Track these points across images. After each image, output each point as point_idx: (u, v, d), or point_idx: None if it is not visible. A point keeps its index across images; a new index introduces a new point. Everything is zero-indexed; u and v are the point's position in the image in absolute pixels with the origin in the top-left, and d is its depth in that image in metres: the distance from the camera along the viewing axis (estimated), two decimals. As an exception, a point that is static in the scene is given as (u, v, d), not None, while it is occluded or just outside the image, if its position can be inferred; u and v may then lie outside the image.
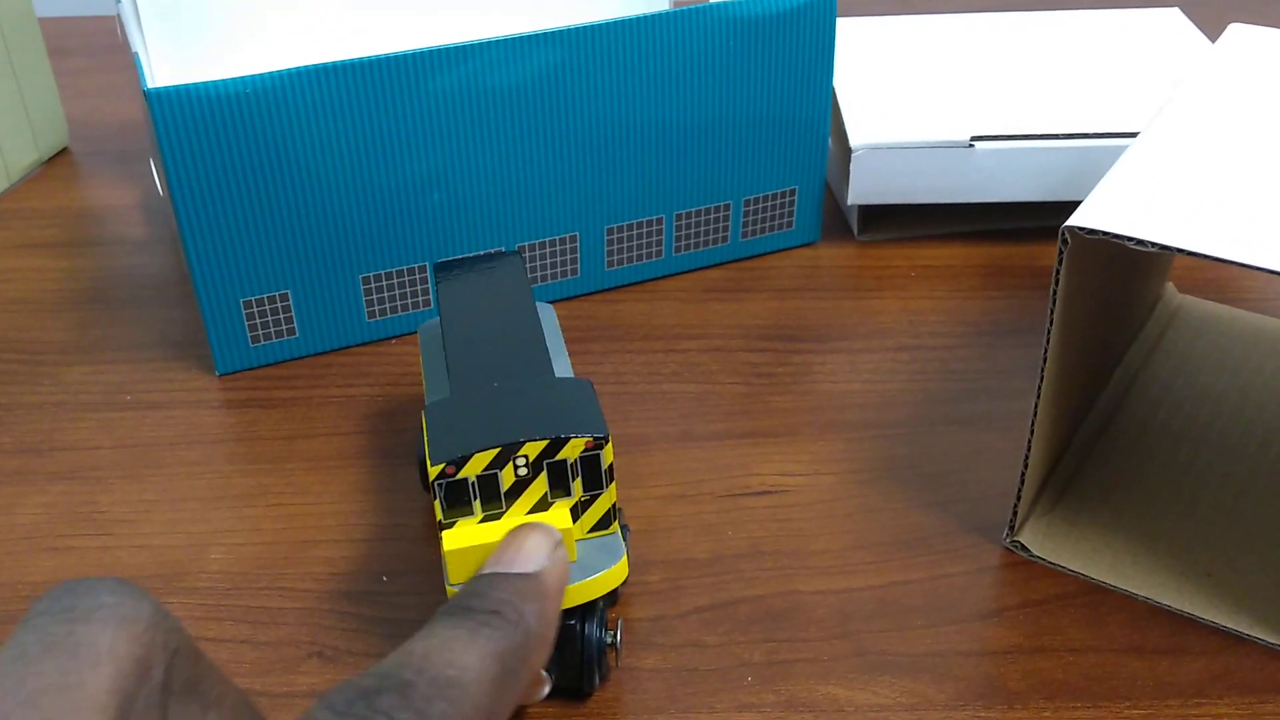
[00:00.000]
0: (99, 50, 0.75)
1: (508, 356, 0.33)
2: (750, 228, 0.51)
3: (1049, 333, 0.32)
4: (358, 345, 0.46)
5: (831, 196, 0.55)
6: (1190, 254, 0.29)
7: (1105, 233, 0.30)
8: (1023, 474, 0.35)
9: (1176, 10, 0.62)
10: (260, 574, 0.36)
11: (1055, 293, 0.31)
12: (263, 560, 0.37)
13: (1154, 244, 0.29)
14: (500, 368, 0.32)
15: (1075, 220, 0.30)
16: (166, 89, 0.39)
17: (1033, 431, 0.34)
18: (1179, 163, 0.33)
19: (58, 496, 0.39)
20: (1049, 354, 0.32)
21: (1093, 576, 0.35)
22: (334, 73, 0.41)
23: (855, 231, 0.53)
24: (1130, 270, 0.39)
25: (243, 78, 0.40)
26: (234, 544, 0.37)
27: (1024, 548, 0.36)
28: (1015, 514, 0.35)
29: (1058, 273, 0.31)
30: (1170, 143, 0.34)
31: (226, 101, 0.40)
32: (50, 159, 0.62)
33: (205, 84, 0.39)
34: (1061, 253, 0.31)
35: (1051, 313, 0.32)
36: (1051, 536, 0.36)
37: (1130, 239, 0.30)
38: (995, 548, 0.36)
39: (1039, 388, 0.33)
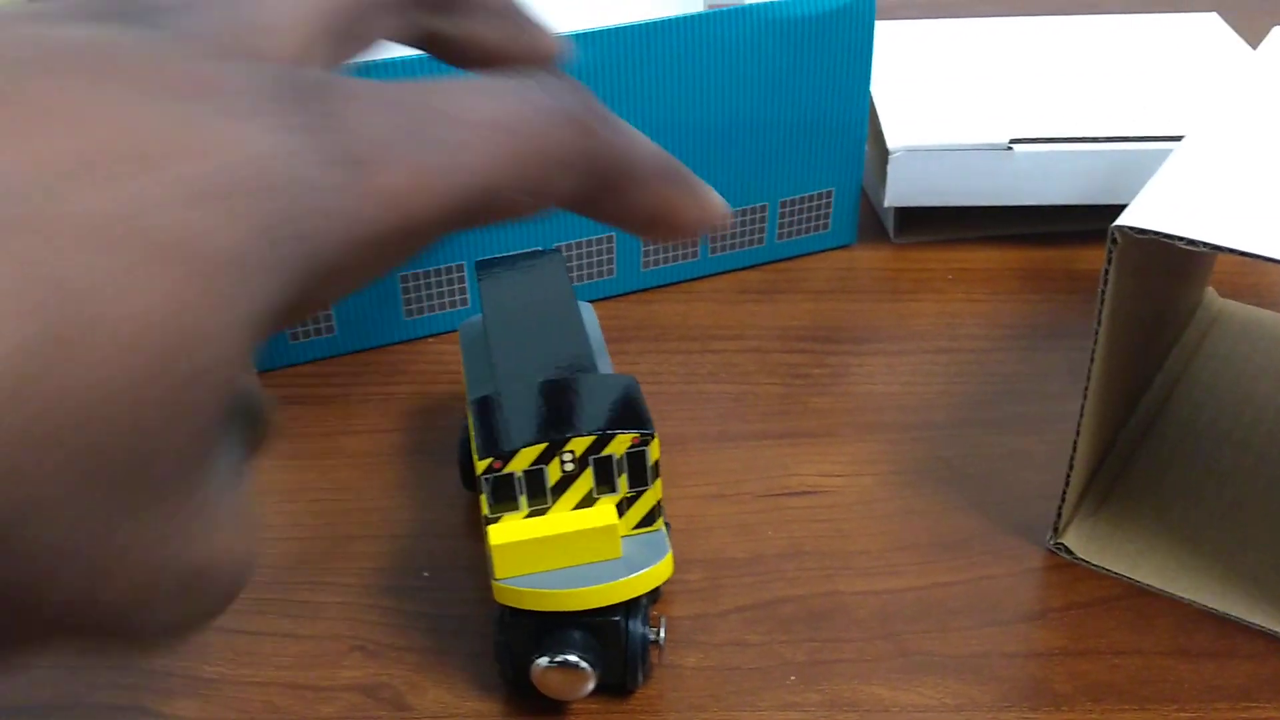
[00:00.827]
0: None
1: (552, 353, 0.33)
2: (786, 229, 0.51)
3: (1097, 332, 0.32)
4: (395, 344, 0.47)
5: (867, 199, 0.55)
6: (1240, 254, 0.29)
7: (1155, 232, 0.30)
8: (1068, 475, 0.34)
9: (1214, 15, 0.61)
10: (302, 568, 0.36)
11: (1104, 292, 0.31)
12: (304, 555, 0.37)
13: (1205, 244, 0.29)
14: (545, 364, 0.32)
15: (1125, 220, 0.30)
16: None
17: (1079, 433, 0.34)
18: (1226, 165, 0.33)
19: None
20: (1096, 355, 0.32)
21: (1138, 579, 0.35)
22: (373, 71, 0.41)
23: (891, 234, 0.53)
24: (1173, 273, 0.39)
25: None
26: (275, 539, 0.37)
27: (1068, 550, 0.35)
28: (1060, 515, 0.35)
29: (1106, 272, 0.31)
30: (1217, 145, 0.34)
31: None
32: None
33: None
34: (1110, 252, 0.31)
35: (1099, 313, 0.32)
36: (1095, 539, 0.36)
37: (1181, 239, 0.29)
38: (1038, 550, 0.36)
39: (1086, 389, 0.33)
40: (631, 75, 0.44)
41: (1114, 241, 0.31)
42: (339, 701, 0.32)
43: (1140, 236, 0.30)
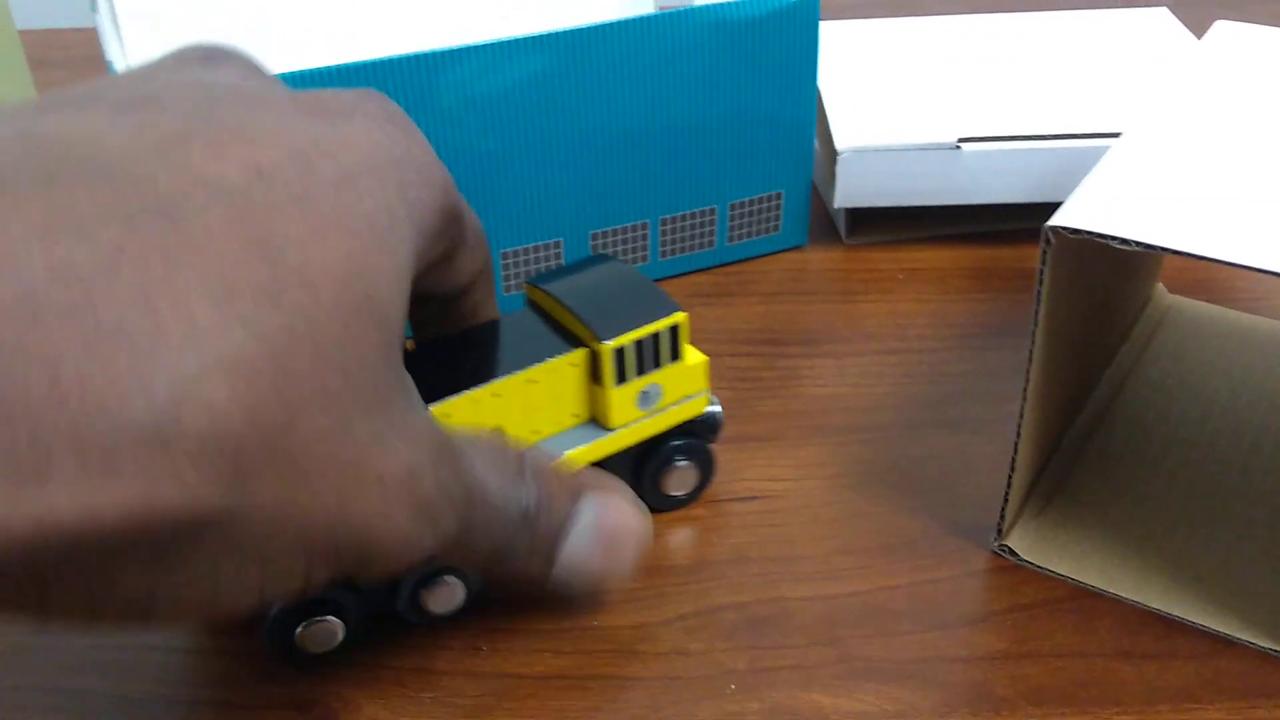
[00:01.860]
0: (79, 62, 0.74)
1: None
2: (736, 232, 0.50)
3: (1033, 333, 0.32)
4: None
5: (818, 199, 0.55)
6: (1174, 253, 0.29)
7: (1088, 232, 0.29)
8: (1010, 477, 0.34)
9: (1165, 9, 0.61)
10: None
11: (1039, 293, 0.31)
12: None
13: (1138, 243, 0.29)
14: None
15: (1057, 219, 0.30)
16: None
17: (1019, 434, 0.34)
18: (1163, 160, 0.33)
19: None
20: (1034, 355, 0.32)
21: (1082, 581, 0.34)
22: (330, 77, 0.40)
23: (843, 235, 0.52)
24: (1118, 270, 0.39)
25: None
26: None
27: (1012, 552, 0.35)
28: (1003, 518, 0.35)
29: (1041, 273, 0.31)
30: (1155, 140, 0.34)
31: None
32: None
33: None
34: (1045, 252, 0.30)
35: (1036, 313, 0.31)
36: (1040, 540, 0.36)
37: (1114, 238, 0.29)
38: (983, 552, 0.36)
39: (1024, 390, 0.33)
40: (577, 80, 0.44)
41: (1048, 242, 0.30)
42: (273, 720, 0.31)
43: (1074, 236, 0.30)
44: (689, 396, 0.36)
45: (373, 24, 0.58)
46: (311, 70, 0.40)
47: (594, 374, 0.34)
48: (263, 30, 0.56)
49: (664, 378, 0.34)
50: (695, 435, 0.37)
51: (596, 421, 0.34)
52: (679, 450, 0.36)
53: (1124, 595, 0.34)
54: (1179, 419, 0.40)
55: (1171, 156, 0.33)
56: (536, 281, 0.35)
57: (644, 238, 0.49)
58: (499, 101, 0.43)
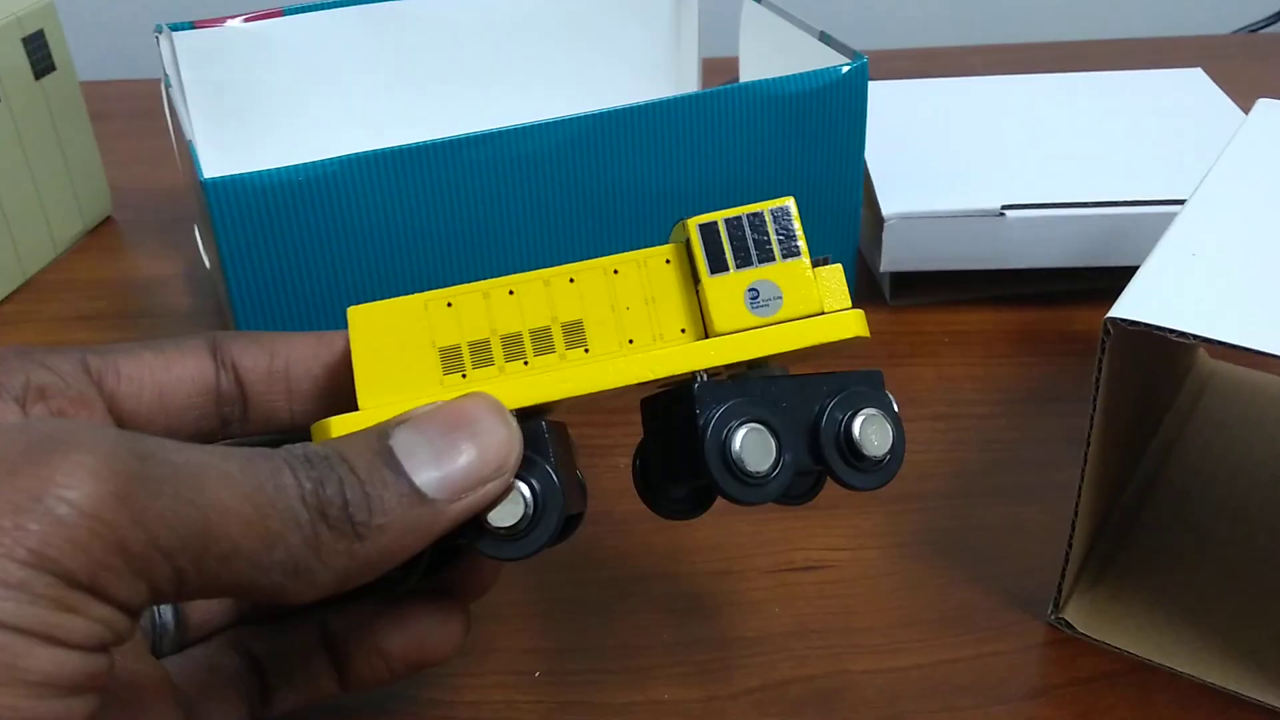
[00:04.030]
0: (138, 114, 0.76)
1: None
2: (785, 295, 0.52)
3: (1092, 419, 0.33)
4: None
5: (864, 261, 0.56)
6: (1230, 347, 0.30)
7: (1147, 325, 0.31)
8: (1067, 552, 0.35)
9: (1199, 71, 0.62)
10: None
11: (1097, 380, 0.32)
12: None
13: (1195, 336, 0.30)
14: None
15: (1117, 311, 0.31)
16: (223, 179, 0.40)
17: (1076, 512, 0.35)
18: (1217, 248, 0.34)
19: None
20: (1091, 439, 0.33)
21: (1138, 654, 0.35)
22: (385, 159, 0.42)
23: (887, 297, 0.54)
24: (1168, 348, 0.40)
25: (297, 165, 0.41)
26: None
27: (1068, 625, 0.36)
28: (1060, 591, 0.36)
29: (1100, 362, 0.32)
30: (1207, 227, 0.35)
31: (282, 189, 0.41)
32: (94, 228, 0.63)
33: (261, 172, 0.40)
34: (1104, 343, 0.32)
35: (1094, 400, 0.32)
36: (1096, 613, 0.37)
37: (1172, 331, 0.30)
38: (1040, 624, 0.37)
39: (1083, 470, 0.34)
40: (630, 154, 0.45)
41: (1107, 333, 0.31)
42: None
43: (1132, 328, 0.31)
44: (824, 311, 0.29)
45: (425, 103, 0.59)
46: (373, 153, 0.41)
47: (692, 269, 0.29)
48: (317, 112, 0.58)
49: (780, 277, 0.29)
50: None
51: (707, 327, 0.29)
52: (859, 394, 0.29)
53: (1179, 669, 0.35)
54: (1226, 488, 0.41)
55: (1224, 244, 0.34)
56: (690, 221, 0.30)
57: (696, 303, 0.50)
58: (552, 176, 0.44)
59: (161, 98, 0.52)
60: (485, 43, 0.60)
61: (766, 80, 0.46)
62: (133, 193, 0.67)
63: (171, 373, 0.29)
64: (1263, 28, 0.91)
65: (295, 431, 0.30)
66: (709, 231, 0.29)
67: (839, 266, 0.30)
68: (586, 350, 0.29)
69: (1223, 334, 0.30)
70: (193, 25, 0.54)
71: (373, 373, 0.28)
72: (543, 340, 0.29)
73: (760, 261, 0.29)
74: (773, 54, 0.55)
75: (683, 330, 0.29)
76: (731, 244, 0.29)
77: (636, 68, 0.62)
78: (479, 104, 0.60)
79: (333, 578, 0.24)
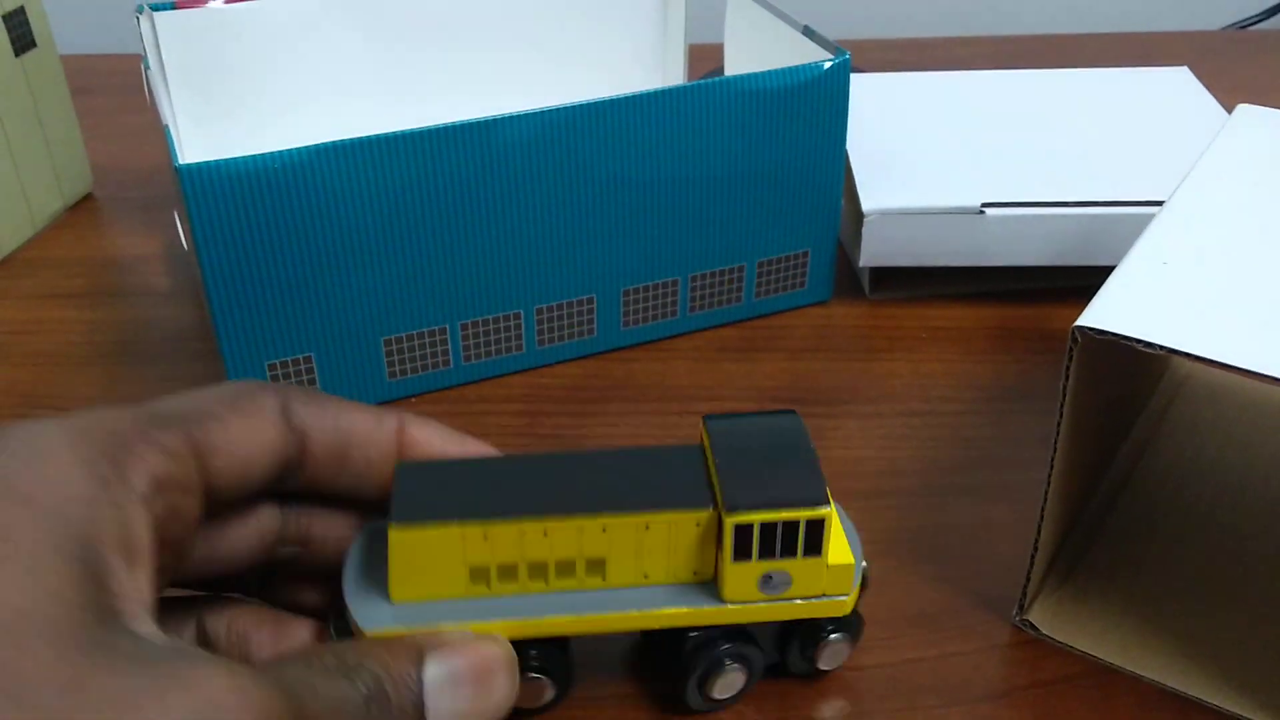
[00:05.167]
0: (119, 90, 0.76)
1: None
2: (764, 288, 0.52)
3: (1059, 423, 0.33)
4: (377, 404, 0.47)
5: (843, 253, 0.56)
6: (1197, 359, 0.30)
7: (1115, 334, 0.31)
8: (1032, 554, 0.35)
9: (1185, 69, 0.62)
10: (286, 643, 0.37)
11: (1064, 387, 0.32)
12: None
13: (1162, 347, 0.30)
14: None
15: (1085, 320, 0.31)
16: (198, 165, 0.40)
17: (1042, 515, 0.35)
18: (1189, 257, 0.34)
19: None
20: (1059, 442, 0.33)
21: (1101, 657, 0.36)
22: (361, 148, 0.41)
23: (866, 291, 0.54)
24: (1139, 355, 0.40)
25: (271, 153, 0.41)
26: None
27: (1033, 626, 0.36)
28: (1025, 593, 0.36)
29: (1068, 369, 0.32)
30: (1180, 235, 0.35)
31: (256, 176, 0.41)
32: (74, 205, 0.63)
33: (236, 159, 0.40)
34: (1071, 350, 0.32)
35: (1061, 405, 0.33)
36: (1060, 615, 0.37)
37: (1139, 341, 0.30)
38: (1005, 625, 0.37)
39: (1049, 475, 0.34)
40: (613, 147, 0.45)
41: (1075, 340, 0.31)
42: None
43: (1100, 337, 0.31)
44: (827, 596, 0.32)
45: (409, 88, 0.59)
46: (349, 141, 0.41)
47: (718, 539, 0.32)
48: (296, 96, 0.57)
49: (795, 569, 0.32)
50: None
51: (716, 586, 0.32)
52: (833, 621, 0.34)
53: (1142, 673, 0.35)
54: (1195, 492, 0.41)
55: (1196, 253, 0.34)
56: (709, 419, 0.33)
57: (674, 294, 0.50)
58: (535, 168, 0.44)
59: (142, 78, 0.51)
60: (470, 27, 0.59)
61: (749, 75, 0.46)
62: (114, 170, 0.67)
63: (254, 442, 0.30)
64: (1252, 24, 0.91)
65: (336, 496, 0.33)
66: (742, 530, 0.31)
67: (854, 563, 0.32)
68: (604, 579, 0.32)
69: (1191, 346, 0.30)
70: (174, 5, 0.54)
71: (407, 575, 0.31)
72: (566, 569, 0.32)
73: (782, 557, 0.31)
74: (757, 45, 0.55)
75: (694, 573, 0.32)
76: (760, 542, 0.31)
77: (623, 53, 0.62)
78: (463, 88, 0.60)
79: None
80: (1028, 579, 0.36)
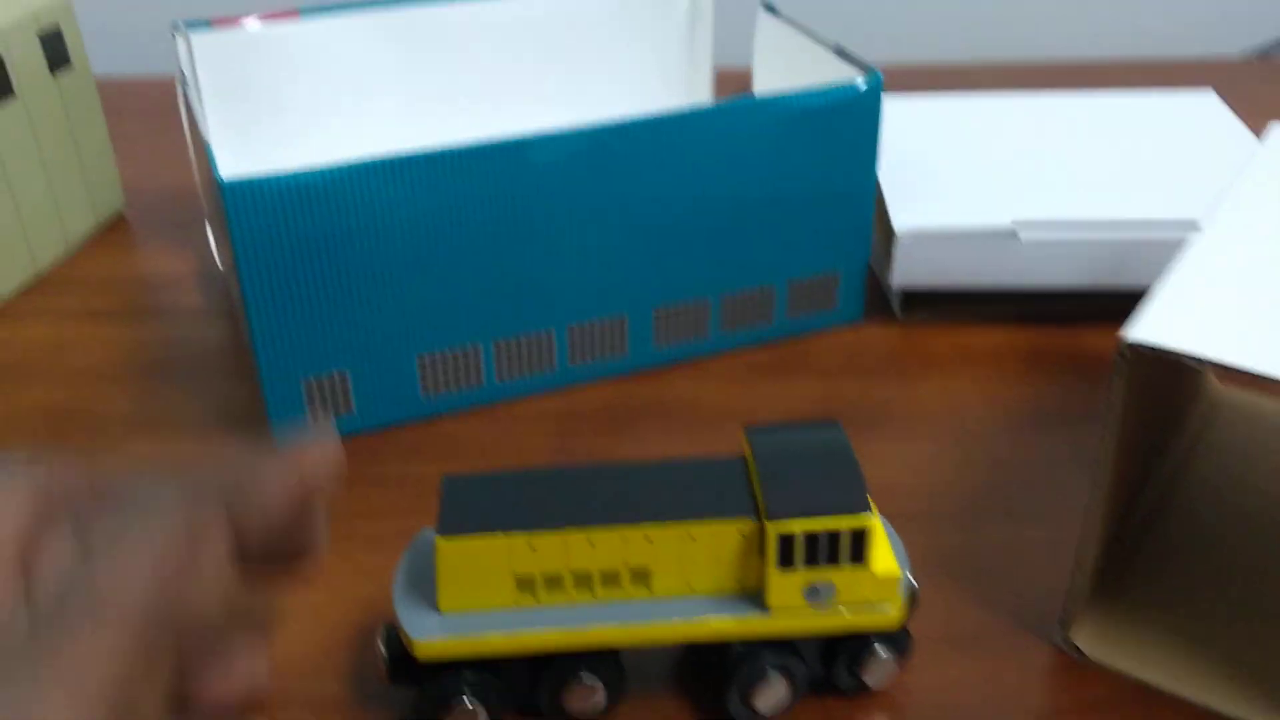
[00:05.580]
0: (152, 112, 0.76)
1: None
2: (794, 308, 0.52)
3: (1103, 439, 0.33)
4: (411, 421, 0.47)
5: (874, 276, 0.56)
6: (1249, 374, 0.30)
7: (1162, 348, 0.31)
8: (1073, 573, 0.35)
9: (1211, 92, 0.63)
10: (323, 659, 0.37)
11: (1110, 402, 0.32)
12: (324, 645, 0.37)
13: (1210, 362, 0.30)
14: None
15: (1132, 334, 0.31)
16: (240, 181, 0.40)
17: (1085, 533, 0.35)
18: (1232, 273, 0.34)
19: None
20: (1102, 459, 0.33)
21: (1144, 678, 0.35)
22: (399, 166, 0.42)
23: (897, 313, 0.54)
24: (1178, 370, 0.40)
25: (311, 170, 0.41)
26: (291, 626, 0.38)
27: (1076, 648, 0.36)
28: (1066, 613, 0.36)
29: (1113, 383, 0.32)
30: (1222, 251, 0.35)
31: (296, 191, 0.41)
32: (106, 224, 0.63)
33: (277, 176, 0.40)
34: (1118, 364, 0.32)
35: (1106, 420, 0.32)
36: (1103, 636, 0.36)
37: (1187, 356, 0.30)
38: (1047, 646, 0.37)
39: (1092, 492, 0.34)
40: (645, 166, 0.45)
41: (1121, 355, 0.31)
42: (362, 797, 0.33)
43: (1147, 352, 0.31)
44: (873, 604, 0.32)
45: (437, 107, 0.59)
46: (387, 159, 0.42)
47: (762, 548, 0.32)
48: (323, 110, 0.58)
49: (840, 578, 0.32)
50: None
51: (761, 597, 0.32)
52: (879, 636, 0.33)
53: (1185, 695, 0.35)
54: (1233, 512, 0.41)
55: (1239, 269, 0.34)
56: (750, 430, 0.34)
57: (704, 314, 0.50)
58: (567, 186, 0.45)
59: (177, 96, 0.52)
60: (500, 50, 0.60)
61: (782, 94, 0.46)
62: (145, 191, 0.67)
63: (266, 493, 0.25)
64: (1274, 51, 0.91)
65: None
66: (786, 540, 0.31)
67: (899, 574, 0.32)
68: (650, 590, 0.32)
69: (1238, 359, 0.30)
70: (210, 25, 0.55)
71: (455, 585, 0.32)
72: (612, 579, 0.32)
73: (827, 565, 0.32)
74: (787, 66, 0.55)
75: (739, 584, 0.32)
76: (805, 551, 0.31)
77: (650, 77, 0.63)
78: (493, 111, 0.60)
79: None
80: (1069, 599, 0.36)
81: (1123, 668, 0.36)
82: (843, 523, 0.31)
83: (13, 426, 0.48)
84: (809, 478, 0.32)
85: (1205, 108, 0.61)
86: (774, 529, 0.31)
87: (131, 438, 0.47)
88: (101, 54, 0.78)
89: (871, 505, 0.31)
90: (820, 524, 0.31)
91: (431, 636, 0.31)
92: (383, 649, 0.33)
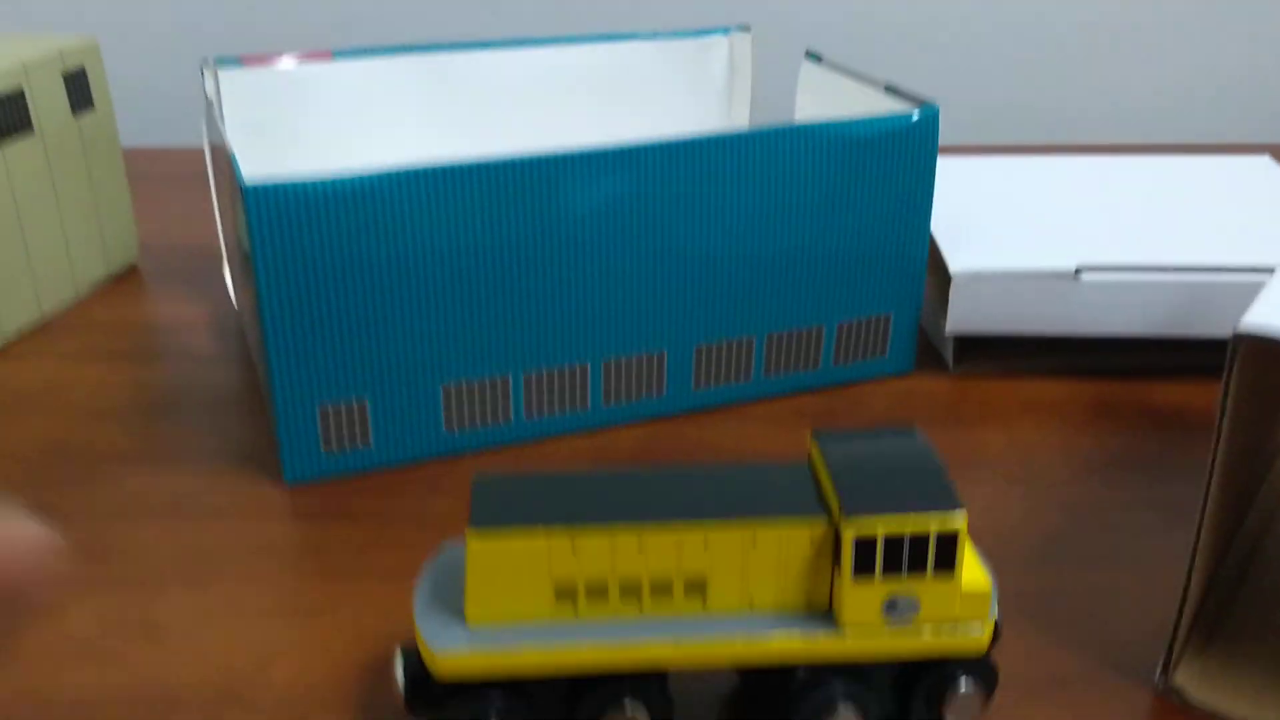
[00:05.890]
0: (179, 179, 0.75)
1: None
2: (843, 353, 0.49)
3: (1215, 448, 0.29)
4: (432, 458, 0.44)
5: (923, 330, 0.53)
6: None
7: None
8: (1179, 612, 0.31)
9: (1266, 157, 0.61)
10: (330, 693, 0.33)
11: (1224, 404, 0.29)
12: (332, 678, 0.33)
13: (1340, 347, 0.27)
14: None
15: (1248, 324, 0.28)
16: (262, 185, 0.38)
17: (1193, 563, 0.31)
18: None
19: (111, 604, 0.36)
20: (1214, 469, 0.30)
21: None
22: (428, 177, 0.39)
23: (949, 363, 0.51)
24: (1273, 392, 0.37)
25: (339, 176, 0.39)
26: (300, 659, 0.34)
27: (1177, 691, 0.32)
28: (1170, 653, 0.32)
29: (1227, 382, 0.29)
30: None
31: (320, 198, 0.38)
32: (118, 275, 0.61)
33: (300, 182, 0.38)
34: (1231, 358, 0.28)
35: (1219, 426, 0.29)
36: (1208, 678, 0.32)
37: (1313, 342, 0.27)
38: (1143, 691, 0.33)
39: (1200, 521, 0.30)
40: (688, 190, 0.43)
41: (1234, 350, 0.28)
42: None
43: (1268, 342, 0.28)
44: (958, 625, 0.28)
45: (471, 146, 0.58)
46: (418, 169, 0.39)
47: (835, 555, 0.28)
48: (350, 155, 0.56)
49: (924, 591, 0.28)
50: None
51: (833, 614, 0.29)
52: (963, 666, 0.29)
53: (1310, 745, 0.30)
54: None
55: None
56: (819, 434, 0.30)
57: (749, 354, 0.47)
58: (605, 209, 0.42)
59: (202, 162, 0.50)
60: (533, 101, 0.58)
61: (833, 122, 0.44)
62: (161, 248, 0.65)
63: None
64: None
65: None
66: (864, 544, 0.27)
67: (990, 589, 0.28)
68: (704, 604, 0.28)
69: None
70: (240, 62, 0.53)
71: (485, 592, 0.28)
72: (662, 590, 0.28)
73: (909, 574, 0.28)
74: (834, 109, 0.53)
75: (807, 599, 0.28)
76: (885, 557, 0.27)
77: (687, 129, 0.61)
78: (527, 137, 0.58)
79: None
80: (1174, 637, 0.32)
81: (1228, 711, 0.31)
82: (931, 523, 0.27)
83: (2, 460, 0.44)
84: (888, 478, 0.28)
85: (1261, 170, 0.59)
86: (850, 530, 0.27)
87: (132, 471, 0.44)
88: (129, 122, 0.78)
89: (961, 503, 0.28)
90: (905, 524, 0.27)
91: (455, 650, 0.27)
92: (400, 673, 0.29)
